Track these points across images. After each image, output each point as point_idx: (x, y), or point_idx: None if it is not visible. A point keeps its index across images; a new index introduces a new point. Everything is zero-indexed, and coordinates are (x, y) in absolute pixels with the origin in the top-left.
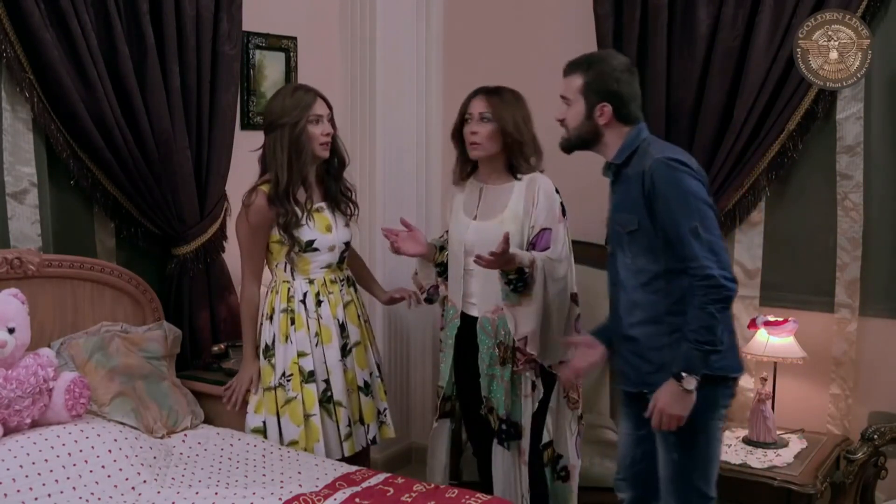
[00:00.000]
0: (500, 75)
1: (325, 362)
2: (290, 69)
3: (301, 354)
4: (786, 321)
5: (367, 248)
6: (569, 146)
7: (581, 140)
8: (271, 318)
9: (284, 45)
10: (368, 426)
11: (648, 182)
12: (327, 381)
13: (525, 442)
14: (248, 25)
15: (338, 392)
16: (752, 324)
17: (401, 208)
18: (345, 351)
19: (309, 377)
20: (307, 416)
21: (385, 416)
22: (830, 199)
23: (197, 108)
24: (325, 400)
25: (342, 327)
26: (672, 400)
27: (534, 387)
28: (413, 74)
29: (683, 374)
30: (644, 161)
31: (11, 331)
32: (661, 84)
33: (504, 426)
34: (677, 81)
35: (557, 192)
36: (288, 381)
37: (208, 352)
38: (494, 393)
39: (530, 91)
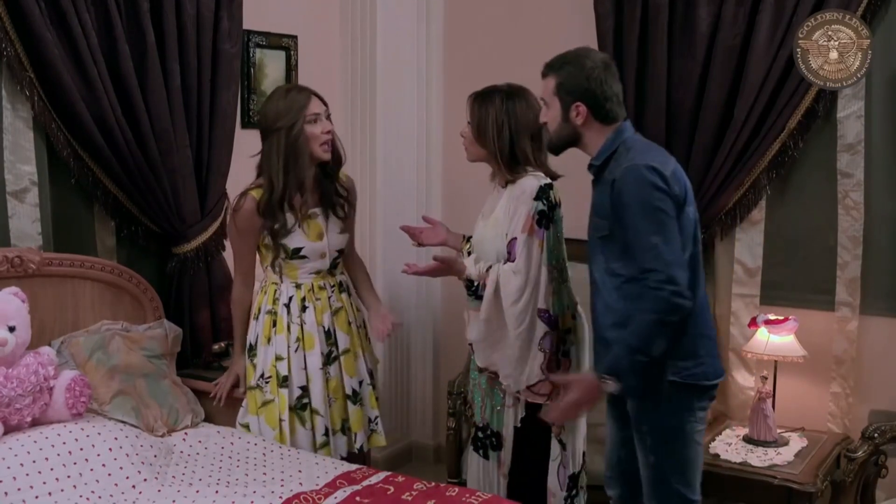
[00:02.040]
0: (501, 74)
1: (305, 369)
2: (291, 68)
3: (278, 358)
4: (786, 320)
5: (367, 247)
6: (552, 147)
7: (562, 141)
8: (257, 318)
9: (285, 44)
10: (356, 435)
11: (616, 191)
12: (304, 388)
13: (506, 454)
14: (248, 24)
15: (315, 400)
16: (753, 322)
17: (401, 207)
18: (329, 358)
19: (283, 382)
20: (280, 420)
21: (376, 424)
22: (831, 198)
23: (197, 106)
24: (300, 407)
25: (328, 334)
26: (583, 390)
27: (516, 399)
28: (413, 73)
29: (604, 377)
30: (617, 168)
31: (12, 329)
32: (662, 83)
33: (481, 434)
34: (678, 80)
35: (543, 199)
36: (266, 382)
37: (209, 350)
38: (474, 398)
39: (530, 89)
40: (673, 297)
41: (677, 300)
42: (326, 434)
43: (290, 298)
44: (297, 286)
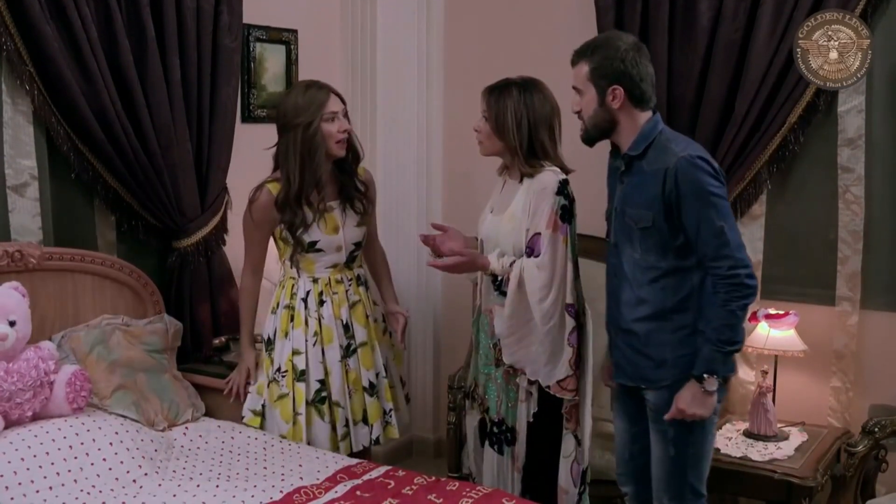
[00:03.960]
0: (501, 68)
1: (324, 362)
2: (291, 62)
3: (296, 352)
4: (787, 314)
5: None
6: (588, 137)
7: (598, 129)
8: (275, 312)
9: (285, 38)
10: (372, 426)
11: (671, 181)
12: (323, 382)
13: (520, 448)
14: (248, 18)
15: (335, 392)
16: (753, 317)
17: (401, 202)
18: (348, 351)
19: (300, 376)
20: (296, 414)
21: (390, 416)
22: (832, 192)
23: (197, 100)
24: (319, 400)
25: (346, 328)
26: (694, 401)
27: (529, 394)
28: (414, 67)
29: (705, 376)
30: (665, 158)
31: (12, 324)
32: (663, 77)
33: (496, 429)
34: (678, 74)
35: (564, 194)
36: (282, 376)
37: (209, 345)
38: (489, 393)
39: None
40: (746, 279)
41: (750, 281)
42: (347, 426)
43: (308, 293)
44: (314, 280)
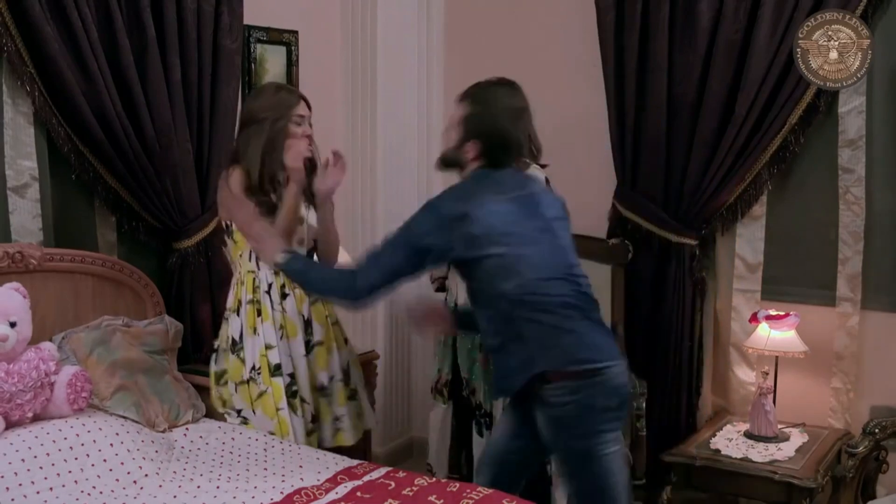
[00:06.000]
0: (501, 68)
1: (291, 356)
2: (292, 63)
3: (268, 347)
4: (787, 315)
5: (369, 241)
6: (441, 162)
7: (446, 162)
8: (237, 311)
9: (286, 39)
10: (323, 428)
11: None
12: (292, 376)
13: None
14: (249, 19)
15: (303, 388)
16: (754, 318)
17: (401, 202)
18: (308, 347)
19: (276, 370)
20: (277, 410)
21: (341, 422)
22: (832, 193)
23: (198, 101)
24: (290, 395)
25: (307, 324)
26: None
27: None
28: (414, 68)
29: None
30: None
31: (13, 325)
32: (663, 77)
33: (478, 413)
34: (679, 75)
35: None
36: (258, 374)
37: (209, 345)
38: (475, 377)
39: (531, 83)
40: (357, 294)
41: (354, 298)
42: (312, 421)
43: (270, 285)
44: (276, 273)
